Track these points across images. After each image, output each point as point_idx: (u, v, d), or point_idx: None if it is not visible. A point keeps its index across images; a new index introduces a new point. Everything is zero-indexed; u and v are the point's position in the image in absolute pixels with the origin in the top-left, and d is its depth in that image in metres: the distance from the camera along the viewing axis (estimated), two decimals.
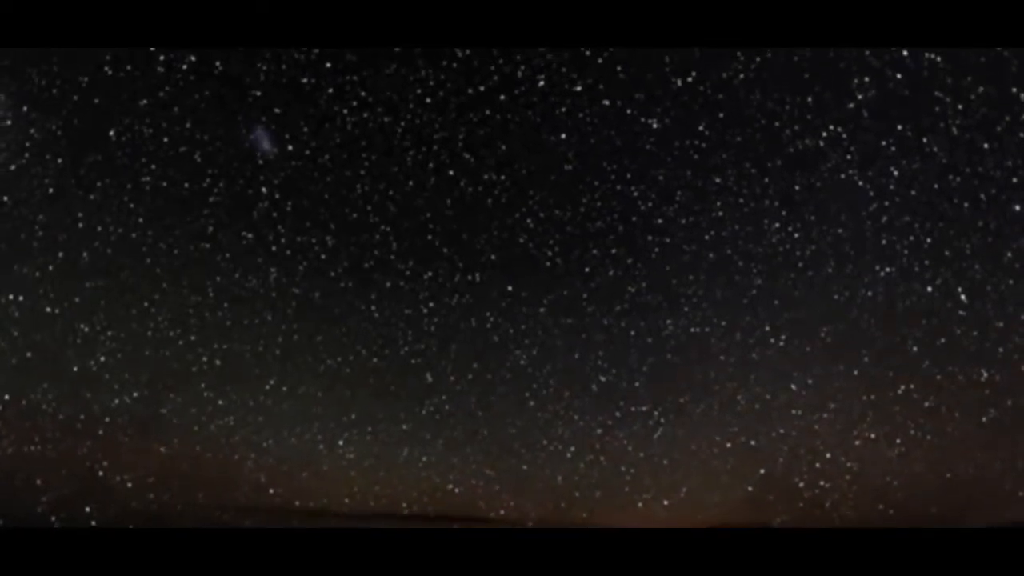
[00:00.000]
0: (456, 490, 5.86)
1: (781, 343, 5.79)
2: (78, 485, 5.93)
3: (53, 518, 5.90)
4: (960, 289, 5.65)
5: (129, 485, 5.93)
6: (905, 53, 5.66)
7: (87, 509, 5.96)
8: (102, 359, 5.89)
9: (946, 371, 5.60)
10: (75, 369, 5.90)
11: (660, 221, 5.84)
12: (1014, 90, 5.58)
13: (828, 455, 5.65)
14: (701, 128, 5.78)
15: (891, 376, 5.65)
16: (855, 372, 5.69)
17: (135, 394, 5.93)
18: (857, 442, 5.58)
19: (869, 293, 5.72)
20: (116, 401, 5.90)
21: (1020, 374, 5.50)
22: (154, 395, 5.93)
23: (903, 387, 5.65)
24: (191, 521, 5.81)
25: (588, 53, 5.81)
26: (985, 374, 5.52)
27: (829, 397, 5.75)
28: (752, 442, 5.74)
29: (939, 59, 5.65)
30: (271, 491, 5.91)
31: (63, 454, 5.93)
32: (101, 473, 5.92)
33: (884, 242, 5.69)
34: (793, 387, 5.75)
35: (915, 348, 5.66)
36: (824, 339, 5.73)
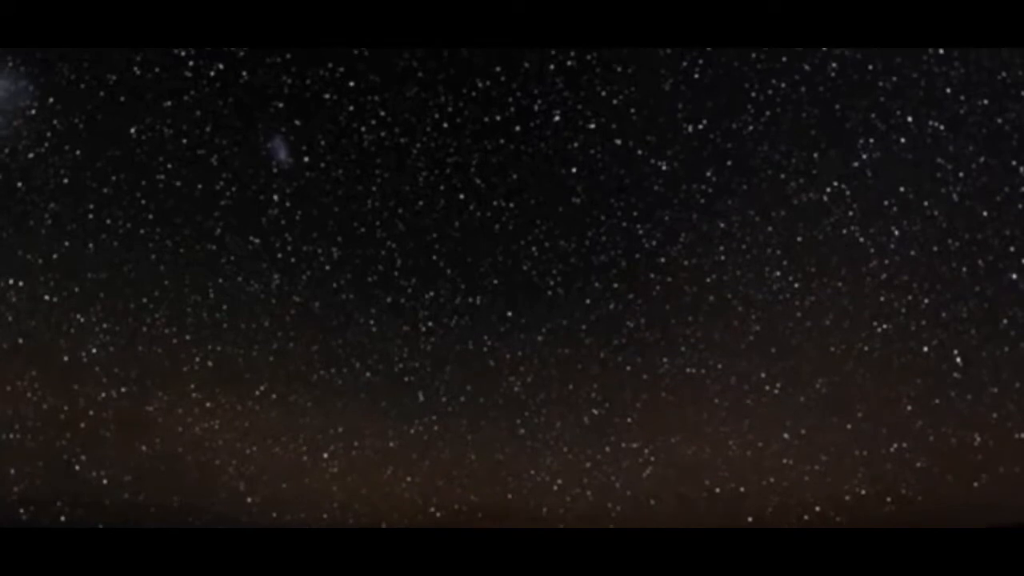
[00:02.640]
0: (437, 514, 5.74)
1: (776, 391, 5.78)
2: (53, 478, 5.80)
3: (21, 510, 5.75)
4: (956, 352, 5.68)
5: (105, 482, 5.81)
6: (910, 119, 5.85)
7: (58, 503, 5.81)
8: (94, 351, 5.85)
9: (940, 432, 5.58)
10: (65, 359, 5.85)
11: (663, 260, 5.91)
12: (1014, 163, 5.75)
13: (817, 508, 5.56)
14: (709, 174, 5.91)
15: (884, 433, 5.62)
16: (848, 426, 5.66)
17: (123, 389, 5.87)
18: (847, 497, 5.51)
19: (865, 348, 5.75)
20: (103, 395, 5.84)
21: (1013, 441, 5.48)
22: (142, 392, 5.87)
23: (895, 445, 5.62)
24: (162, 524, 5.66)
25: (604, 93, 6.00)
26: (978, 438, 5.50)
27: (821, 449, 5.71)
28: (741, 488, 5.66)
29: (942, 127, 5.84)
30: (248, 500, 5.78)
31: (42, 445, 5.83)
32: (78, 467, 5.81)
33: (882, 299, 5.76)
34: (785, 436, 5.71)
35: (909, 407, 5.65)
36: (819, 390, 5.73)
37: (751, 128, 5.89)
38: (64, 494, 5.82)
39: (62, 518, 5.78)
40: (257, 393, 5.91)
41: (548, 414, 5.90)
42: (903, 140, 5.82)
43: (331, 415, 5.91)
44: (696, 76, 5.88)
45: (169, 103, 5.93)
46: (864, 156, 5.82)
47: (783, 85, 5.86)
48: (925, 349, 5.70)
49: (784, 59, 5.88)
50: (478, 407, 5.89)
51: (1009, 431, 5.48)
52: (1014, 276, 5.68)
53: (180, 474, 5.84)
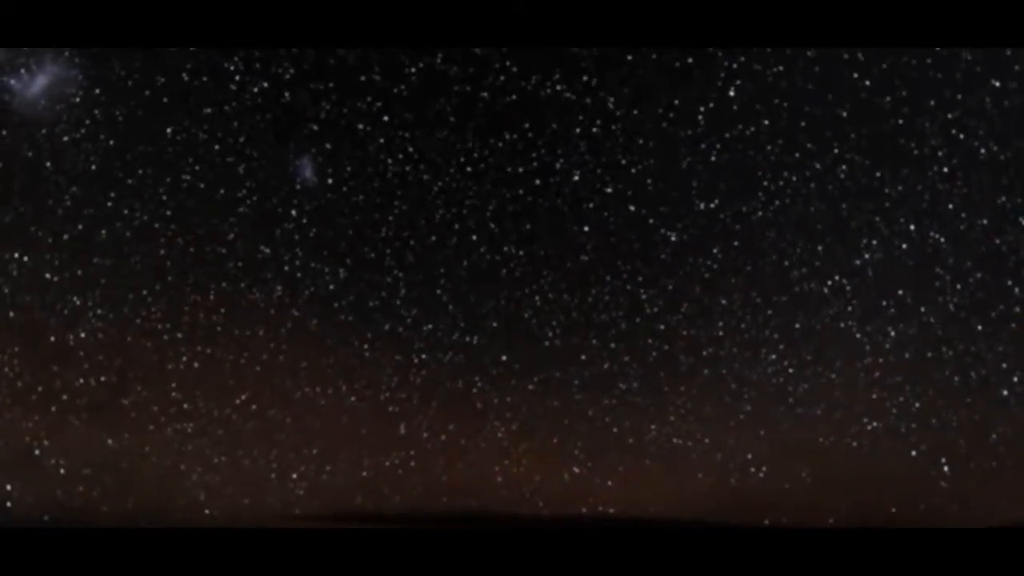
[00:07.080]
0: None
1: (761, 475, 5.68)
2: (10, 460, 5.60)
3: None
4: (943, 460, 5.64)
5: (62, 472, 5.60)
6: (912, 227, 6.07)
7: (8, 487, 5.58)
8: (82, 335, 5.78)
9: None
10: (52, 339, 5.79)
11: (662, 327, 5.97)
12: (1009, 283, 5.92)
13: None
14: (716, 251, 6.06)
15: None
16: (830, 520, 5.53)
17: (102, 378, 5.76)
18: None
19: (854, 444, 5.71)
20: (81, 381, 5.73)
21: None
22: (121, 383, 5.76)
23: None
24: (111, 525, 5.40)
25: (624, 162, 6.25)
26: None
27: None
28: None
29: (943, 240, 6.05)
30: (207, 511, 5.54)
31: (6, 424, 5.66)
32: (38, 452, 5.62)
33: (874, 396, 5.77)
34: (766, 522, 5.56)
35: (894, 509, 5.55)
36: (804, 479, 5.64)
37: (760, 214, 6.10)
38: (17, 479, 5.60)
39: (8, 504, 5.54)
40: (237, 402, 5.80)
41: (528, 465, 5.77)
42: (905, 247, 6.02)
43: (308, 435, 5.78)
44: (713, 159, 6.14)
45: (209, 110, 6.15)
46: (867, 256, 6.01)
47: (794, 178, 6.11)
48: (913, 453, 5.67)
49: (797, 155, 6.17)
50: (458, 448, 5.78)
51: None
52: (1005, 392, 5.73)
53: (141, 474, 5.64)
